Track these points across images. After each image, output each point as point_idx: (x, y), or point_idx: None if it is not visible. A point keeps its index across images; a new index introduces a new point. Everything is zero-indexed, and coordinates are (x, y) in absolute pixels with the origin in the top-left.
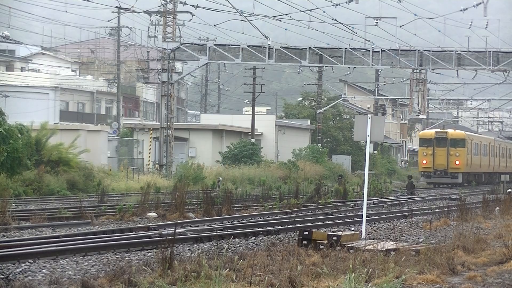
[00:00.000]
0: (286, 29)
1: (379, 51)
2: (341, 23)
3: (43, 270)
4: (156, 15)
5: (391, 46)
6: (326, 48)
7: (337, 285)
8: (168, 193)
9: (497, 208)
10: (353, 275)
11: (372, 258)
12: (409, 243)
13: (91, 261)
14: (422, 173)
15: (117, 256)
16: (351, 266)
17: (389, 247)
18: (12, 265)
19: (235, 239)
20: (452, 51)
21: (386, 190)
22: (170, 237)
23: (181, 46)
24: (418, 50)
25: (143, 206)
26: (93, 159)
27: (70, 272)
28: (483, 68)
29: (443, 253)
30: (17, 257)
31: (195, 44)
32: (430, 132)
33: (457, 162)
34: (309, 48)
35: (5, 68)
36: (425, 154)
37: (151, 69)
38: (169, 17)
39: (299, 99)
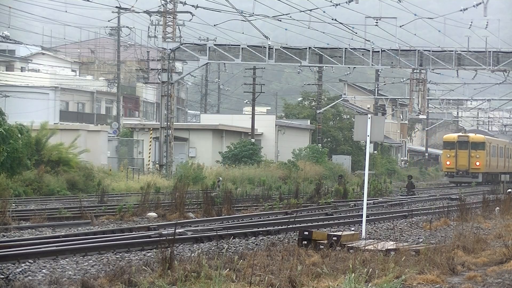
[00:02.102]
0: (286, 29)
1: (379, 51)
2: (341, 23)
3: (43, 270)
4: (156, 15)
5: (391, 46)
6: (326, 48)
7: (337, 285)
8: (168, 193)
9: (497, 208)
10: (353, 275)
11: (372, 258)
12: (409, 243)
13: (91, 261)
14: (446, 172)
15: (117, 256)
16: (351, 266)
17: (389, 247)
18: (12, 265)
19: (235, 239)
20: (452, 51)
21: (386, 190)
22: (170, 237)
23: (181, 46)
24: (418, 50)
25: (143, 206)
26: (93, 159)
27: (70, 272)
28: (483, 68)
29: (443, 253)
30: (17, 257)
31: (195, 44)
32: (453, 136)
33: (477, 163)
34: (309, 48)
35: (5, 68)
36: (448, 156)
37: (151, 69)
38: (169, 17)
39: (299, 99)
